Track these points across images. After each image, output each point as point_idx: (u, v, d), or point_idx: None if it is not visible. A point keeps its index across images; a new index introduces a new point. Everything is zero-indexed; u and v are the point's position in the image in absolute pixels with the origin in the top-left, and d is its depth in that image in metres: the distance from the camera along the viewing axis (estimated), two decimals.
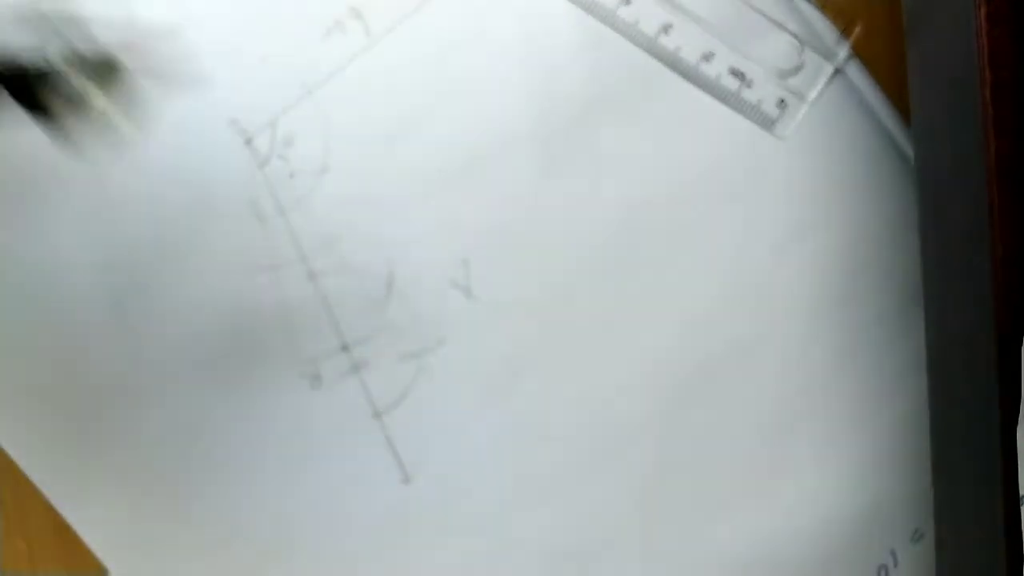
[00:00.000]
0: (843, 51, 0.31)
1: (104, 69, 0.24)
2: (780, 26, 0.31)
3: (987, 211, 0.24)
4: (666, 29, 0.31)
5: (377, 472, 0.33)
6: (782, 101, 0.32)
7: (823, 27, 0.31)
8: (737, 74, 0.31)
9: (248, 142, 0.31)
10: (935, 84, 0.27)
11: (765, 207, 0.32)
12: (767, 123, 0.32)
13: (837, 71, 0.31)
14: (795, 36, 0.31)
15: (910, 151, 0.32)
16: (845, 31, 0.31)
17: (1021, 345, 0.23)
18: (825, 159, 0.32)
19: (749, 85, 0.31)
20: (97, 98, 0.24)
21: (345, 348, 0.32)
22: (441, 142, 0.31)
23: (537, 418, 0.33)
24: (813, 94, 0.32)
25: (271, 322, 0.32)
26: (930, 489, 0.31)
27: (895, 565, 0.34)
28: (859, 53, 0.32)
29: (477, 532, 0.33)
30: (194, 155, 0.31)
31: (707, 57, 0.31)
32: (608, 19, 0.31)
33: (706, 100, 0.32)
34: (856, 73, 0.32)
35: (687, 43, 0.31)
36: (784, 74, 0.31)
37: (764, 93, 0.31)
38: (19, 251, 0.32)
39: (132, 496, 0.32)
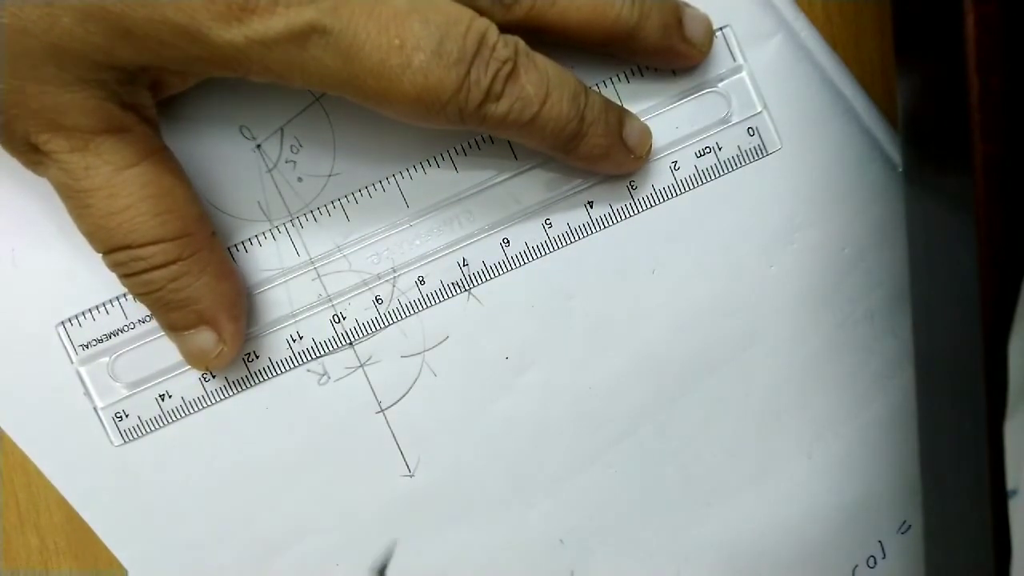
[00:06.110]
0: (737, 53, 0.32)
1: None
2: (696, 91, 0.32)
3: (973, 213, 0.24)
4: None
5: (382, 466, 0.33)
6: (750, 129, 0.32)
7: (715, 57, 0.32)
8: (707, 151, 0.32)
9: (258, 147, 0.31)
10: (923, 89, 0.27)
11: (757, 210, 0.33)
12: (759, 153, 0.32)
13: (744, 65, 0.32)
14: (710, 87, 0.32)
15: (897, 157, 0.33)
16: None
17: (1006, 342, 0.23)
18: (816, 165, 0.33)
19: (720, 148, 0.32)
20: None
21: (351, 345, 0.32)
22: (442, 146, 0.32)
23: (536, 412, 0.33)
24: (759, 100, 0.32)
25: (278, 320, 0.32)
26: (917, 481, 0.31)
27: (883, 556, 0.35)
28: (849, 61, 0.32)
29: (478, 523, 0.33)
30: (205, 160, 0.31)
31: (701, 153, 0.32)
32: None
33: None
34: (845, 81, 0.32)
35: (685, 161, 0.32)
36: (727, 118, 0.32)
37: (733, 139, 0.32)
38: None
39: (149, 494, 0.33)
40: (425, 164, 0.32)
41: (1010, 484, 0.24)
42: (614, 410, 0.33)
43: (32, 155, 0.27)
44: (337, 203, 0.32)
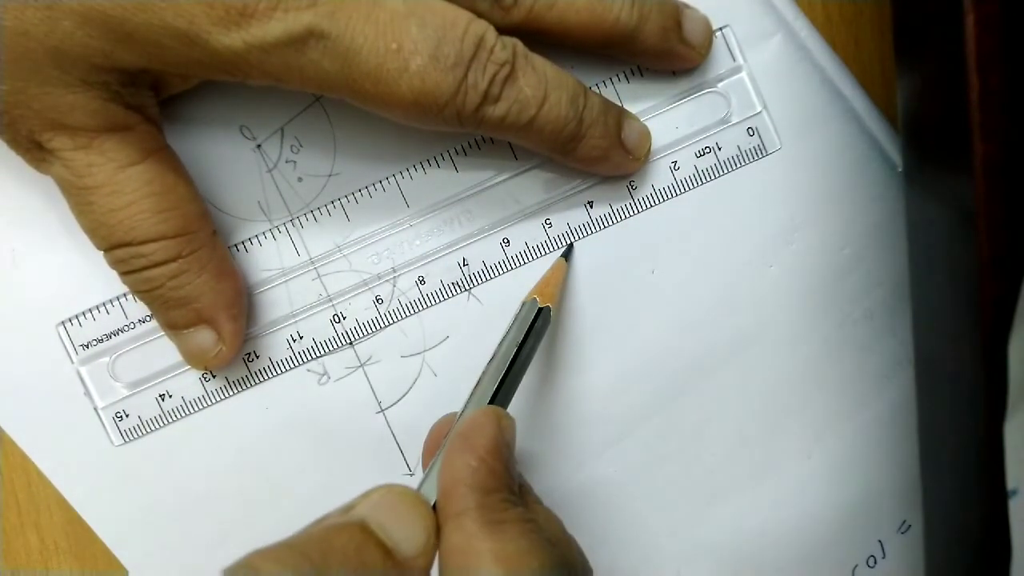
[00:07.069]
0: (737, 53, 0.32)
1: None
2: (696, 91, 0.32)
3: (973, 213, 0.24)
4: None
5: (382, 465, 0.33)
6: (749, 129, 0.32)
7: (715, 57, 0.32)
8: (706, 151, 0.32)
9: (258, 147, 0.31)
10: (923, 89, 0.27)
11: (757, 210, 0.33)
12: (759, 153, 0.32)
13: (744, 65, 0.32)
14: (710, 87, 0.32)
15: (897, 157, 0.33)
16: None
17: (1006, 342, 0.23)
18: (815, 165, 0.33)
19: (720, 148, 0.32)
20: None
21: (351, 345, 0.32)
22: (442, 146, 0.32)
23: (535, 412, 0.33)
24: (758, 100, 0.32)
25: (278, 320, 0.32)
26: (917, 481, 0.31)
27: (883, 556, 0.35)
28: (849, 61, 0.32)
29: None
30: (206, 159, 0.31)
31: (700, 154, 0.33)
32: None
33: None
34: (845, 81, 0.32)
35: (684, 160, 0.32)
36: (727, 118, 0.32)
37: (733, 139, 0.32)
38: None
39: (149, 494, 0.33)
40: (425, 164, 0.32)
41: (1010, 484, 0.24)
42: (614, 410, 0.33)
43: (36, 152, 0.27)
44: (337, 203, 0.32)
